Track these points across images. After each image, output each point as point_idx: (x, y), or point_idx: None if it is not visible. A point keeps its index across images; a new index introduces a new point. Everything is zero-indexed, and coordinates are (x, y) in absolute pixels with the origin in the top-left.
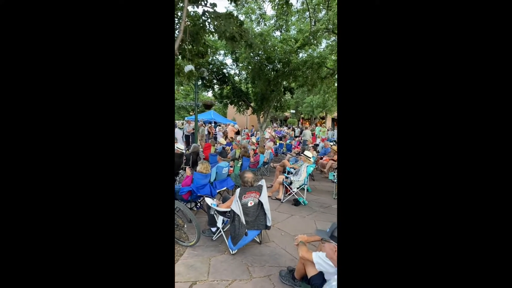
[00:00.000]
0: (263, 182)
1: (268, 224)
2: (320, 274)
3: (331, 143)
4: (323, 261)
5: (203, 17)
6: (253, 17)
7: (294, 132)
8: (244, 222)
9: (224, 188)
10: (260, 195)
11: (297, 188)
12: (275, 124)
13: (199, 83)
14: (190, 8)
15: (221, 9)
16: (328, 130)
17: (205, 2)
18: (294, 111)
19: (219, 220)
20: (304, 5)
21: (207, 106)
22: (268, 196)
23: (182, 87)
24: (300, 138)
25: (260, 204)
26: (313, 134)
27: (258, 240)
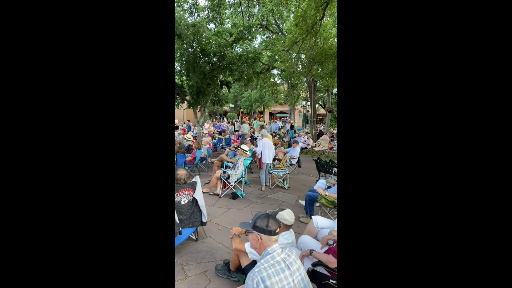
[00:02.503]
0: (197, 179)
1: (204, 220)
2: (254, 263)
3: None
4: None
5: None
6: (185, 6)
7: (234, 126)
8: (178, 221)
9: None
10: (194, 192)
11: (235, 182)
12: (214, 119)
13: None
14: None
15: None
16: (266, 123)
17: None
18: (233, 105)
19: None
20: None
21: None
22: (206, 192)
23: None
24: (239, 132)
25: (194, 201)
26: (251, 128)
27: (194, 237)
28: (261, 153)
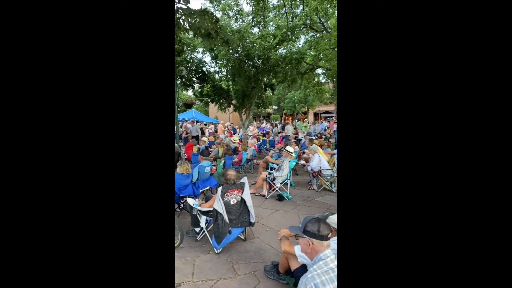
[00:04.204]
0: (245, 180)
1: (252, 220)
2: (304, 267)
3: (314, 138)
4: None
5: (177, 14)
6: (231, 13)
7: (277, 127)
8: (228, 221)
9: (207, 188)
10: (242, 193)
11: (281, 183)
12: (258, 121)
13: (178, 82)
14: None
15: (197, 6)
16: (310, 124)
17: None
18: (276, 107)
19: (202, 220)
20: (281, 1)
21: (188, 105)
22: (252, 193)
23: None
24: (283, 133)
25: (243, 201)
26: (295, 129)
27: (242, 237)
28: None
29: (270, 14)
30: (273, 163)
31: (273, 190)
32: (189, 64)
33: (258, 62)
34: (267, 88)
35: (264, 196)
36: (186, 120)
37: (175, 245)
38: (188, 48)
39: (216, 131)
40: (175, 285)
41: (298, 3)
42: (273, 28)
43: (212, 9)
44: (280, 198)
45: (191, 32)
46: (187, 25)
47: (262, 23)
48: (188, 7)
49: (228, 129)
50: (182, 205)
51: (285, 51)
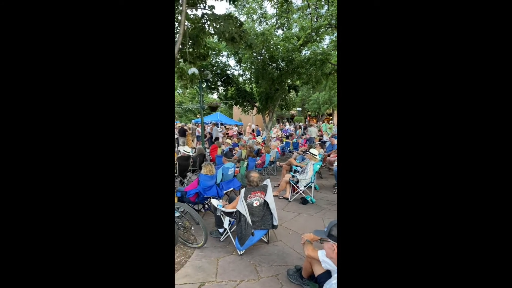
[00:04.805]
0: (268, 182)
1: (275, 223)
2: (327, 272)
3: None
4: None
5: (203, 20)
6: (255, 17)
7: (301, 129)
8: (250, 222)
9: (231, 189)
10: (265, 195)
11: (304, 187)
12: (281, 123)
13: (204, 85)
14: (189, 11)
15: (222, 11)
16: (335, 126)
17: (204, 4)
18: (300, 109)
19: (226, 221)
20: (305, 2)
21: (213, 108)
22: (275, 195)
23: (188, 90)
24: (307, 136)
25: (265, 203)
26: (320, 131)
27: (265, 240)
28: None
29: (294, 15)
30: (296, 166)
31: (296, 193)
32: (214, 68)
33: (282, 64)
34: (291, 90)
35: (287, 199)
36: (206, 124)
37: (199, 245)
38: (213, 52)
39: (241, 133)
40: (199, 284)
41: (323, 3)
42: (297, 29)
43: (236, 13)
44: (304, 201)
45: (216, 37)
46: (212, 29)
47: (286, 25)
48: (213, 12)
49: (252, 131)
50: (206, 205)
51: (309, 52)
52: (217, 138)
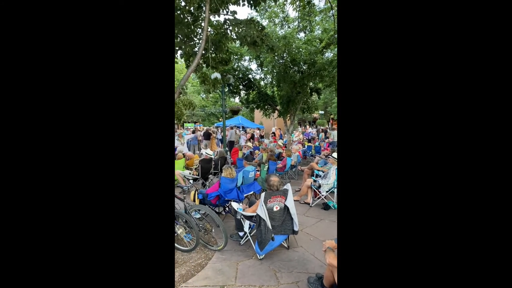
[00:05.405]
0: (288, 186)
1: (295, 228)
2: None
3: None
4: None
5: (225, 25)
6: (277, 20)
7: (324, 132)
8: (270, 227)
9: (251, 192)
10: (285, 200)
11: (327, 192)
12: (303, 126)
13: (226, 89)
14: (211, 18)
15: (244, 16)
16: None
17: (226, 10)
18: (323, 112)
19: (246, 224)
20: (328, 4)
21: (235, 112)
22: (296, 200)
23: (211, 95)
24: (329, 139)
25: (286, 208)
26: None
27: (285, 245)
28: None
29: (316, 18)
30: (318, 170)
31: (318, 198)
32: (236, 72)
33: (304, 67)
34: (313, 93)
35: (308, 204)
36: (217, 127)
37: (220, 247)
38: (235, 57)
39: (262, 136)
40: (219, 287)
41: None
42: (320, 32)
43: (258, 18)
44: (326, 207)
45: (238, 41)
46: (234, 34)
47: (308, 28)
48: (235, 17)
49: (274, 134)
50: (227, 208)
51: (332, 54)
52: (232, 142)
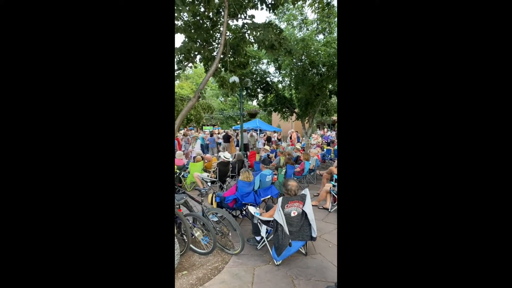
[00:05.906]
0: (306, 191)
1: (313, 235)
2: None
3: None
4: None
5: (243, 29)
6: (295, 23)
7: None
8: (288, 232)
9: (269, 196)
10: (303, 205)
11: None
12: (322, 129)
13: (244, 93)
14: (230, 22)
15: (262, 19)
16: None
17: (245, 14)
18: None
19: (263, 229)
20: None
21: (252, 115)
22: (315, 205)
23: (229, 98)
24: None
25: (304, 214)
26: None
27: (303, 252)
28: None
29: (335, 19)
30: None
31: (337, 203)
32: (254, 76)
33: (323, 69)
34: (332, 95)
35: (327, 209)
36: (234, 130)
37: (236, 251)
38: (253, 60)
39: (280, 139)
40: None
41: None
42: None
43: (276, 21)
44: None
45: (256, 45)
46: (252, 38)
47: (327, 30)
48: (253, 21)
49: (291, 137)
50: (244, 212)
51: None
52: (246, 145)
